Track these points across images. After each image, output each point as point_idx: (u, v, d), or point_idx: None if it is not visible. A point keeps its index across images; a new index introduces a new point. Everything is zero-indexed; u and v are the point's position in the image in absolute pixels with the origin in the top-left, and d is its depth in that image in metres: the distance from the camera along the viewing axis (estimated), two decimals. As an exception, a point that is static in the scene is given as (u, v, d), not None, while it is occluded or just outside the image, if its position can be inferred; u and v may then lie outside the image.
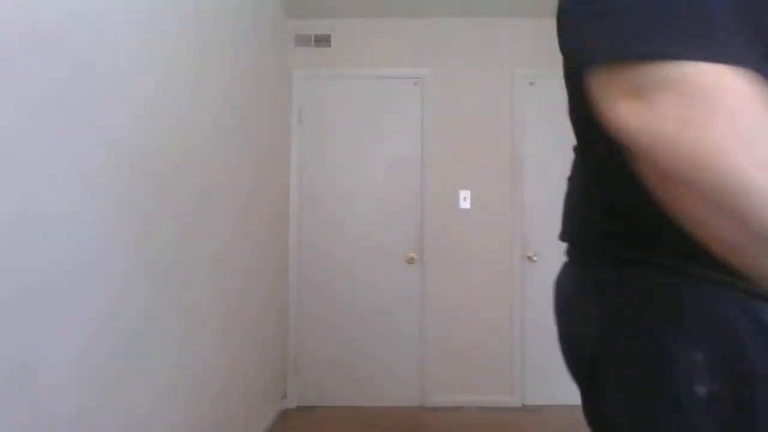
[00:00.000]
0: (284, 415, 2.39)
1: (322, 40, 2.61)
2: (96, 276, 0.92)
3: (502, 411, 2.44)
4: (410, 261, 2.54)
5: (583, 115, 0.45)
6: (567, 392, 2.51)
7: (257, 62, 2.04)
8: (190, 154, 1.36)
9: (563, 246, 0.59)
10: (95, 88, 0.92)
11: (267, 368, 2.18)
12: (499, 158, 2.57)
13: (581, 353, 0.51)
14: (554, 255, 2.45)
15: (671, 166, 0.31)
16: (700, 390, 0.39)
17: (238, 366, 1.78)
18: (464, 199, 2.56)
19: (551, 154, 2.56)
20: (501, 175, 2.57)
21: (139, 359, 1.09)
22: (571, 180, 0.59)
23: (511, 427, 2.27)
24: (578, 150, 0.57)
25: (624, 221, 0.46)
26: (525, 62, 2.57)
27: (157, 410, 1.16)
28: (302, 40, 2.61)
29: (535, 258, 2.52)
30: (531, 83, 2.58)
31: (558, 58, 0.48)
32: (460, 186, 2.57)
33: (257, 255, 2.02)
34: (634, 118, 0.33)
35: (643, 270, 0.44)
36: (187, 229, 1.34)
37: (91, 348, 0.91)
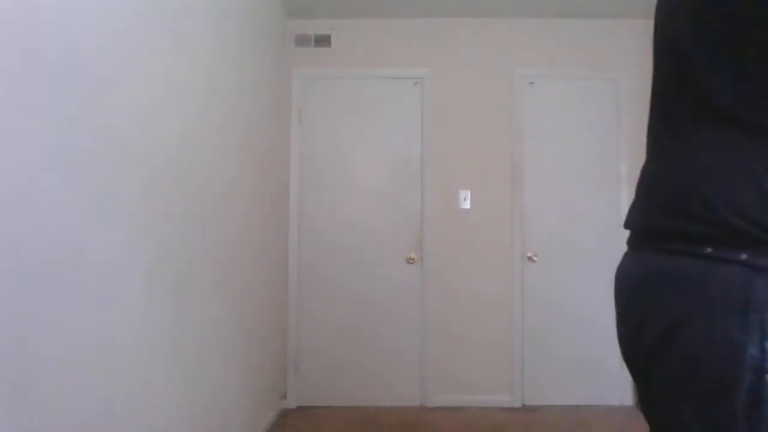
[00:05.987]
0: (284, 415, 2.39)
1: (322, 40, 2.61)
2: (94, 275, 0.92)
3: (502, 411, 2.44)
4: (410, 261, 2.54)
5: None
6: (567, 392, 2.51)
7: (257, 62, 2.04)
8: (189, 154, 1.36)
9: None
10: (99, 92, 0.92)
11: (267, 368, 2.18)
12: (499, 158, 2.57)
13: (647, 340, 0.52)
14: (554, 255, 2.45)
15: None
16: None
17: (238, 366, 1.78)
18: (464, 199, 2.56)
19: (551, 154, 2.56)
20: (501, 175, 2.57)
21: (140, 361, 1.09)
22: (646, 169, 0.59)
23: (511, 427, 2.27)
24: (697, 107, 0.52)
25: (699, 215, 0.48)
26: (525, 62, 2.57)
27: (156, 411, 1.16)
28: (302, 40, 2.61)
29: (535, 258, 2.52)
30: (531, 83, 2.57)
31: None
32: (460, 186, 2.57)
33: (257, 255, 2.02)
34: None
35: (713, 263, 0.46)
36: (187, 230, 1.34)
37: (93, 350, 0.91)
